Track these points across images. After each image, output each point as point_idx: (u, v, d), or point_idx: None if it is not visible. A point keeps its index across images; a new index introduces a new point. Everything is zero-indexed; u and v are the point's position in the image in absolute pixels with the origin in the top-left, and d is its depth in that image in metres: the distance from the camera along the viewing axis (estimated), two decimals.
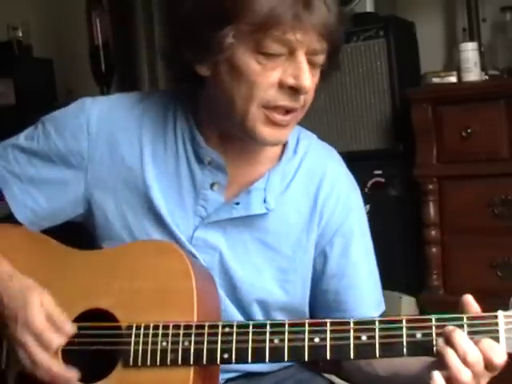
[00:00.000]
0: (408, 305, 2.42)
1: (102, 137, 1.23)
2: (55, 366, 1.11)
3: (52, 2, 3.65)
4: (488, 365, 0.99)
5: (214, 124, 1.21)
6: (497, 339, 0.99)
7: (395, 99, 2.49)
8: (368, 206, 2.57)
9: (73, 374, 1.11)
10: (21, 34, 3.45)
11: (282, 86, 1.11)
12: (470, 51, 2.37)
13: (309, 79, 1.11)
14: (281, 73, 1.10)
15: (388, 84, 2.49)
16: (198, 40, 1.11)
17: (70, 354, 1.15)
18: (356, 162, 2.61)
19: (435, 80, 2.45)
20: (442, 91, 2.42)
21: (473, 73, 2.36)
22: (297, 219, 1.24)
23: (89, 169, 1.23)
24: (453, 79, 2.42)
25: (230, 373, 1.24)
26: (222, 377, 1.24)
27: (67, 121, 1.25)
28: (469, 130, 2.29)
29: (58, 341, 1.11)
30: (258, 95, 1.11)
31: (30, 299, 1.12)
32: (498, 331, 1.00)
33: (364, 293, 1.26)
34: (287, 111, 1.13)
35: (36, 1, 3.66)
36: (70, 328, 1.13)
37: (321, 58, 1.13)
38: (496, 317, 1.00)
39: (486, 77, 2.41)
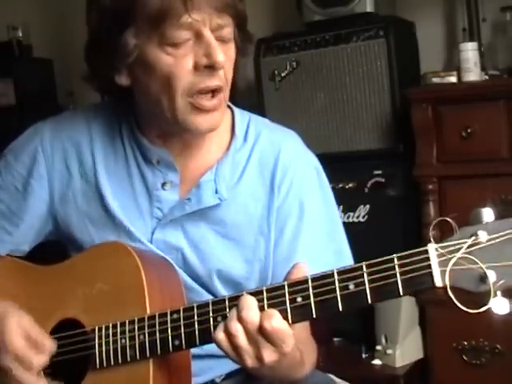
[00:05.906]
0: (408, 304, 2.41)
1: (57, 154, 1.27)
2: None
3: (52, 2, 3.64)
4: (263, 329, 0.97)
5: (152, 125, 1.23)
6: (430, 275, 0.94)
7: (395, 99, 2.48)
8: (368, 206, 2.58)
9: None
10: (21, 34, 3.45)
11: (197, 68, 1.12)
12: (469, 51, 2.36)
13: (221, 54, 1.12)
14: (193, 57, 1.12)
15: (388, 84, 2.49)
16: (106, 50, 1.13)
17: (46, 367, 1.15)
18: (356, 162, 2.65)
19: (435, 80, 2.45)
20: (441, 91, 2.41)
21: (473, 73, 2.36)
22: (255, 207, 1.24)
23: (50, 187, 1.27)
24: (453, 79, 2.41)
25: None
26: (222, 371, 1.26)
27: (23, 146, 1.29)
28: (469, 130, 2.28)
29: (40, 360, 1.12)
30: (178, 85, 1.12)
31: (6, 323, 1.12)
32: (430, 266, 0.94)
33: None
34: (212, 94, 1.14)
35: (36, 1, 3.65)
36: (51, 344, 1.13)
37: (228, 32, 1.14)
38: (426, 251, 0.95)
39: (486, 77, 2.40)
